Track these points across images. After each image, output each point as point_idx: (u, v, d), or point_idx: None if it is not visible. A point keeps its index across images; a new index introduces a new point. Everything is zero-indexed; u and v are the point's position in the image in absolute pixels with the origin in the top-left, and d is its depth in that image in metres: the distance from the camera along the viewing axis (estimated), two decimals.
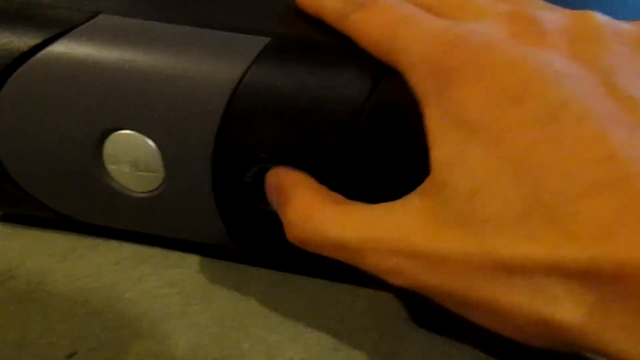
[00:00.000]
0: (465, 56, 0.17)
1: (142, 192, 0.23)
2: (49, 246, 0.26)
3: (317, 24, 0.22)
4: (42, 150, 0.23)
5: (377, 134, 0.20)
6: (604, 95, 0.16)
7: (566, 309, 0.15)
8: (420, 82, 0.18)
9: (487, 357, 0.22)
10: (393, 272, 0.18)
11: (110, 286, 0.24)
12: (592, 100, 0.16)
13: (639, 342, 0.14)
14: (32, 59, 0.21)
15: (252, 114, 0.21)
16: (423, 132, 0.18)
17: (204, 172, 0.22)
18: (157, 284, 0.24)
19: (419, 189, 0.18)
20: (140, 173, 0.22)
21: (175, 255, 0.26)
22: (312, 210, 0.19)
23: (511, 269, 0.15)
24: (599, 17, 0.18)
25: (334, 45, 0.21)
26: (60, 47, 0.21)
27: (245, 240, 0.24)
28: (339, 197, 0.20)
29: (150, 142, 0.22)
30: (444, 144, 0.17)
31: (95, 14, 0.22)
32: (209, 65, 0.21)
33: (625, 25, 0.19)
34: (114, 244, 0.26)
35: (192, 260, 0.25)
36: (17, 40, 0.21)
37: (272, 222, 0.22)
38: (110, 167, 0.23)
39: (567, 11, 0.19)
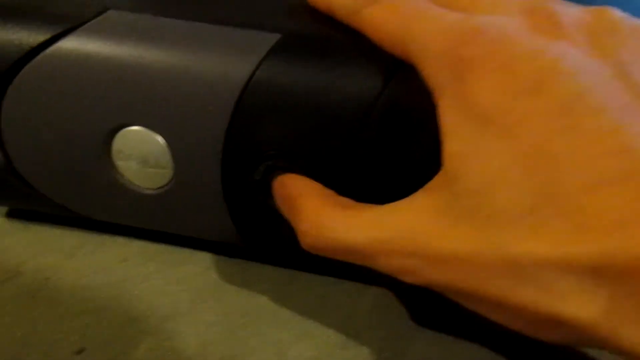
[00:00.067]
0: (481, 48, 0.17)
1: (151, 189, 0.23)
2: (56, 243, 0.26)
3: (328, 20, 0.22)
4: (50, 146, 0.23)
5: (389, 131, 0.20)
6: (620, 89, 0.16)
7: (578, 305, 0.14)
8: (435, 74, 0.18)
9: (494, 353, 0.22)
10: (404, 271, 0.18)
11: (118, 283, 0.24)
12: (608, 93, 0.16)
13: None
14: (41, 55, 0.21)
15: (263, 110, 0.20)
16: (435, 129, 0.18)
17: (213, 168, 0.22)
18: (165, 281, 0.24)
19: (427, 185, 0.18)
20: (149, 169, 0.22)
21: (183, 253, 0.26)
22: (322, 218, 0.19)
23: (522, 265, 0.15)
24: (616, 13, 0.18)
25: (345, 42, 0.21)
26: (69, 43, 0.21)
27: (253, 237, 0.24)
28: (347, 201, 0.20)
29: (160, 139, 0.22)
30: (457, 137, 0.17)
31: (104, 10, 0.22)
32: (219, 61, 0.21)
33: None
34: (121, 240, 0.26)
35: (200, 258, 0.25)
36: (26, 36, 0.21)
37: (281, 219, 0.22)
38: (119, 163, 0.23)
39: (583, 7, 0.19)
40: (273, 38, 0.21)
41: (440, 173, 0.17)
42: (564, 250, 0.14)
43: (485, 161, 0.16)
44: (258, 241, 0.24)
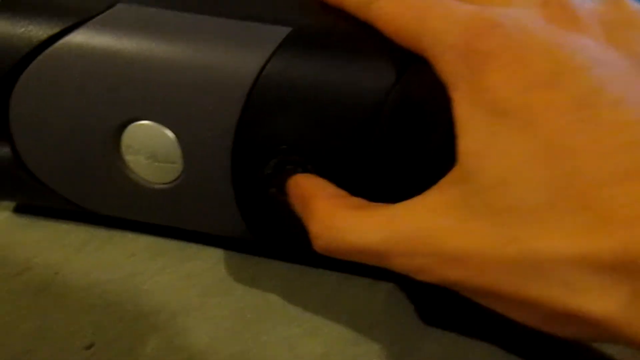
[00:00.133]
0: (496, 40, 0.17)
1: (160, 184, 0.23)
2: (64, 238, 0.26)
3: (339, 13, 0.22)
4: (59, 141, 0.23)
5: (401, 126, 0.20)
6: (638, 80, 0.16)
7: (597, 300, 0.14)
8: (450, 67, 0.17)
9: (504, 349, 0.22)
10: (419, 270, 0.17)
11: (127, 278, 0.24)
12: (625, 85, 0.15)
13: None
14: (50, 49, 0.21)
15: (273, 105, 0.20)
16: (449, 124, 0.18)
17: (223, 163, 0.21)
18: (175, 276, 0.24)
19: (442, 181, 0.18)
20: (159, 164, 0.22)
21: (192, 248, 0.25)
22: (333, 220, 0.19)
23: (541, 261, 0.15)
24: (631, 4, 0.18)
25: (357, 35, 0.21)
26: (78, 37, 0.21)
27: (263, 232, 0.24)
28: (360, 201, 0.20)
29: (169, 133, 0.21)
30: (473, 131, 0.17)
31: (113, 3, 0.22)
32: (229, 55, 0.20)
33: None
34: (129, 236, 0.26)
35: (210, 253, 0.25)
36: (35, 30, 0.21)
37: (291, 214, 0.22)
38: (128, 158, 0.22)
39: None
40: (284, 31, 0.21)
41: (455, 169, 0.17)
42: (583, 246, 0.14)
43: (502, 156, 0.16)
44: (268, 236, 0.24)
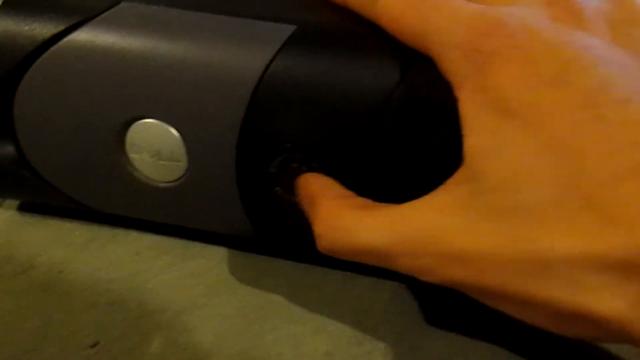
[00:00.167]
0: (502, 39, 0.17)
1: (165, 182, 0.23)
2: (68, 236, 0.26)
3: (343, 11, 0.22)
4: (64, 139, 0.23)
5: (406, 124, 0.20)
6: None
7: (606, 301, 0.14)
8: (455, 67, 0.17)
9: (509, 348, 0.22)
10: (424, 271, 0.17)
11: (131, 277, 0.24)
12: (632, 84, 0.15)
13: None
14: (55, 47, 0.21)
15: (278, 103, 0.20)
16: (455, 123, 0.18)
17: (227, 161, 0.21)
18: (179, 274, 0.24)
19: (448, 182, 0.18)
20: (163, 162, 0.22)
21: (196, 247, 0.25)
22: (338, 220, 0.19)
23: (550, 261, 0.15)
24: (636, 2, 0.18)
25: (361, 33, 0.21)
26: (82, 35, 0.21)
27: (268, 231, 0.24)
28: (365, 201, 0.20)
29: (174, 131, 0.21)
30: (479, 131, 0.16)
31: (117, 2, 0.22)
32: (234, 53, 0.20)
33: None
34: (133, 234, 0.26)
35: (214, 252, 0.25)
36: (39, 28, 0.21)
37: (296, 213, 0.22)
38: (133, 156, 0.22)
39: None
40: (288, 30, 0.21)
41: (462, 168, 0.17)
42: (591, 245, 0.14)
43: (509, 155, 0.16)
44: (272, 235, 0.24)
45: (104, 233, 0.26)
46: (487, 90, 0.16)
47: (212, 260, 0.25)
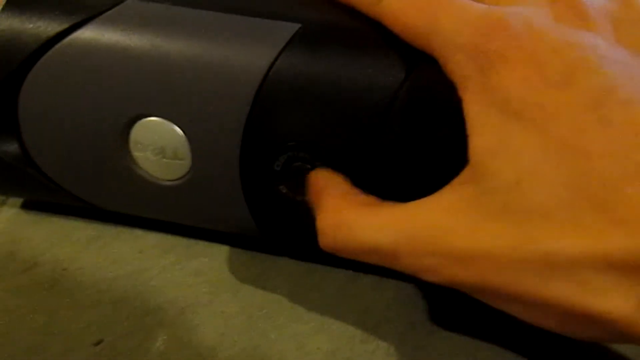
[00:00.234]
0: (506, 40, 0.17)
1: (169, 180, 0.23)
2: (72, 234, 0.26)
3: (348, 10, 0.22)
4: (68, 137, 0.23)
5: (411, 122, 0.20)
6: None
7: (614, 301, 0.14)
8: (459, 68, 0.17)
9: (513, 347, 0.22)
10: (429, 270, 0.17)
11: (135, 274, 0.24)
12: (637, 84, 0.15)
13: None
14: (59, 45, 0.21)
15: (283, 101, 0.20)
16: (459, 121, 0.18)
17: (231, 159, 0.21)
18: (183, 273, 0.24)
19: (454, 181, 0.18)
20: (167, 160, 0.22)
21: (200, 245, 0.25)
22: (341, 217, 0.19)
23: (557, 261, 0.15)
24: None
25: (366, 32, 0.21)
26: (87, 33, 0.21)
27: (271, 229, 0.24)
28: (370, 198, 0.20)
29: (178, 129, 0.21)
30: (485, 131, 0.16)
31: (121, 0, 0.22)
32: (239, 51, 0.20)
33: None
34: (137, 232, 0.26)
35: (218, 250, 0.25)
36: (43, 26, 0.21)
37: (300, 211, 0.22)
38: (137, 154, 0.22)
39: None
40: (293, 28, 0.21)
41: (467, 168, 0.17)
42: (599, 246, 0.14)
43: (515, 156, 0.16)
44: (276, 233, 0.24)
45: (107, 231, 0.26)
46: (492, 91, 0.16)
47: (215, 258, 0.25)
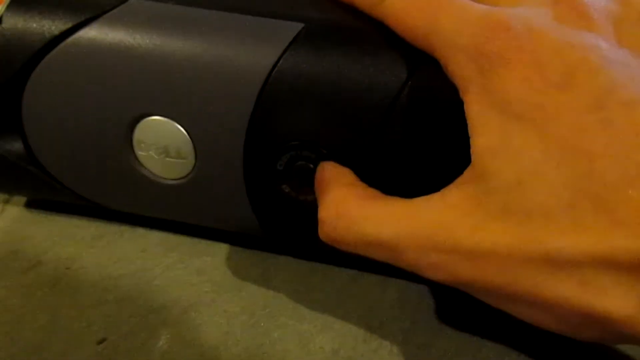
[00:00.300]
0: (507, 42, 0.17)
1: (172, 179, 0.23)
2: (76, 233, 0.26)
3: (351, 10, 0.22)
4: (71, 136, 0.23)
5: (414, 122, 0.20)
6: None
7: (615, 300, 0.14)
8: (460, 69, 0.17)
9: (518, 346, 0.22)
10: (431, 267, 0.17)
11: (138, 273, 0.24)
12: (639, 85, 0.15)
13: None
14: (63, 44, 0.21)
15: (286, 100, 0.20)
16: (462, 121, 0.18)
17: (235, 159, 0.21)
18: (186, 271, 0.24)
19: (458, 180, 0.18)
20: (171, 160, 0.22)
21: (203, 244, 0.25)
22: (345, 207, 0.19)
23: (557, 261, 0.15)
24: None
25: (369, 31, 0.21)
26: (91, 32, 0.21)
27: (275, 228, 0.24)
28: (376, 192, 0.20)
29: (181, 129, 0.21)
30: (486, 132, 0.16)
31: None
32: (242, 51, 0.20)
33: None
34: (140, 231, 0.26)
35: (221, 249, 0.25)
36: (48, 25, 0.21)
37: (303, 211, 0.22)
38: (140, 153, 0.22)
39: None
40: (296, 27, 0.21)
41: (470, 168, 0.17)
42: (601, 246, 0.14)
43: (517, 157, 0.16)
44: (279, 232, 0.24)
45: (111, 230, 0.26)
46: (492, 92, 0.16)
47: (218, 257, 0.25)
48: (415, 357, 0.22)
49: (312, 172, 0.21)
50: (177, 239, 0.26)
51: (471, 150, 0.17)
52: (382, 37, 0.20)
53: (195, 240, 0.26)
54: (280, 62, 0.20)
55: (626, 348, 0.22)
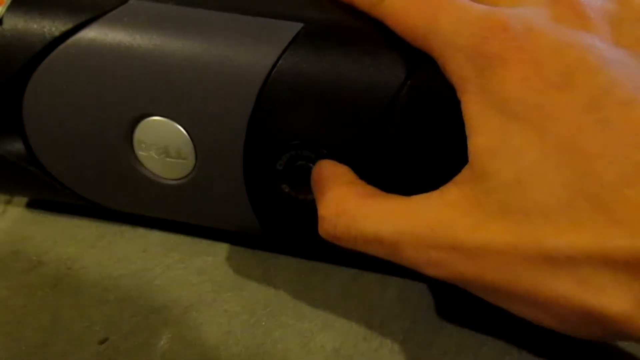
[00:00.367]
0: (505, 42, 0.17)
1: (172, 179, 0.23)
2: (77, 233, 0.26)
3: (350, 10, 0.22)
4: (72, 137, 0.23)
5: (413, 121, 0.20)
6: None
7: (612, 299, 0.14)
8: (459, 69, 0.17)
9: (520, 344, 0.22)
10: (431, 264, 0.17)
11: (139, 273, 0.24)
12: (636, 85, 0.15)
13: None
14: (64, 45, 0.21)
15: (285, 100, 0.20)
16: (461, 120, 0.18)
17: (235, 159, 0.22)
18: (186, 271, 0.24)
19: (456, 178, 0.18)
20: (171, 160, 0.22)
21: (203, 243, 0.26)
22: (345, 205, 0.19)
23: (556, 259, 0.15)
24: None
25: (368, 31, 0.21)
26: (91, 33, 0.21)
27: (275, 228, 0.24)
28: (375, 190, 0.20)
29: (181, 129, 0.22)
30: (484, 132, 0.17)
31: (126, 0, 0.22)
32: (242, 51, 0.21)
33: None
34: (141, 231, 0.26)
35: (221, 249, 0.25)
36: (48, 26, 0.21)
37: (303, 210, 0.22)
38: (140, 153, 0.23)
39: None
40: (295, 27, 0.21)
41: (467, 167, 0.17)
42: (599, 244, 0.14)
43: (515, 156, 0.16)
44: (280, 232, 0.24)
45: (111, 230, 0.26)
46: (491, 92, 0.17)
47: (219, 257, 0.25)
48: (416, 356, 0.22)
49: None
50: (177, 239, 0.26)
51: (469, 149, 0.17)
52: (381, 36, 0.20)
53: (196, 240, 0.26)
54: (280, 62, 0.20)
55: (625, 345, 0.22)
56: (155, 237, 0.26)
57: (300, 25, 0.21)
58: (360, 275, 0.24)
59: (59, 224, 0.26)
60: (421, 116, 0.20)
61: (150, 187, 0.23)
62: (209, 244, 0.26)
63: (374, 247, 0.19)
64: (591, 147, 0.15)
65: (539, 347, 0.22)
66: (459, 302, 0.23)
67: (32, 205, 0.27)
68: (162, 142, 0.22)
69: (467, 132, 0.17)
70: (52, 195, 0.26)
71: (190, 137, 0.22)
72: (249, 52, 0.20)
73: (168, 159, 0.22)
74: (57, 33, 0.21)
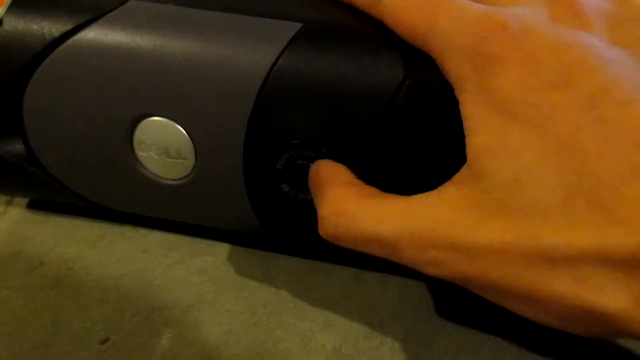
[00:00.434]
0: (504, 41, 0.17)
1: (172, 180, 0.23)
2: (77, 234, 0.26)
3: (349, 9, 0.22)
4: (72, 137, 0.23)
5: (411, 120, 0.20)
6: None
7: (610, 297, 0.14)
8: (457, 69, 0.18)
9: (520, 344, 0.22)
10: (431, 263, 0.17)
11: (140, 273, 0.24)
12: (634, 84, 0.15)
13: None
14: (63, 45, 0.21)
15: (285, 100, 0.20)
16: (459, 119, 0.18)
17: (235, 159, 0.22)
18: (187, 271, 0.24)
19: (455, 177, 0.18)
20: (171, 160, 0.22)
21: (203, 243, 0.26)
22: (345, 205, 0.19)
23: (554, 258, 0.15)
24: (638, 0, 0.18)
25: (367, 31, 0.21)
26: (91, 33, 0.21)
27: (275, 228, 0.24)
28: (375, 190, 0.20)
29: (181, 129, 0.22)
30: (482, 131, 0.17)
31: (125, 0, 0.22)
32: (241, 51, 0.21)
33: None
34: (141, 231, 0.26)
35: (221, 248, 0.25)
36: (48, 26, 0.21)
37: (303, 210, 0.22)
38: (140, 154, 0.23)
39: None
40: (294, 27, 0.21)
41: (465, 167, 0.17)
42: (597, 243, 0.14)
43: (513, 156, 0.16)
44: (280, 232, 0.24)
45: (112, 230, 0.26)
46: (489, 92, 0.17)
47: (219, 256, 0.25)
48: (416, 355, 0.22)
49: None
50: (177, 239, 0.26)
51: (467, 149, 0.17)
52: (380, 36, 0.20)
53: (196, 240, 0.26)
54: (279, 61, 0.20)
55: (625, 342, 0.22)
56: (155, 237, 0.26)
57: (299, 25, 0.21)
58: (360, 274, 0.24)
59: (60, 224, 0.26)
60: (420, 116, 0.20)
61: (151, 187, 0.23)
62: (209, 244, 0.26)
63: (374, 247, 0.19)
64: (590, 147, 0.15)
65: (539, 346, 0.22)
66: (459, 302, 0.23)
67: (32, 205, 0.27)
68: (162, 142, 0.22)
69: (466, 132, 0.17)
70: (52, 196, 0.26)
71: (190, 137, 0.22)
72: (249, 52, 0.21)
73: (168, 159, 0.22)
74: (57, 34, 0.21)
